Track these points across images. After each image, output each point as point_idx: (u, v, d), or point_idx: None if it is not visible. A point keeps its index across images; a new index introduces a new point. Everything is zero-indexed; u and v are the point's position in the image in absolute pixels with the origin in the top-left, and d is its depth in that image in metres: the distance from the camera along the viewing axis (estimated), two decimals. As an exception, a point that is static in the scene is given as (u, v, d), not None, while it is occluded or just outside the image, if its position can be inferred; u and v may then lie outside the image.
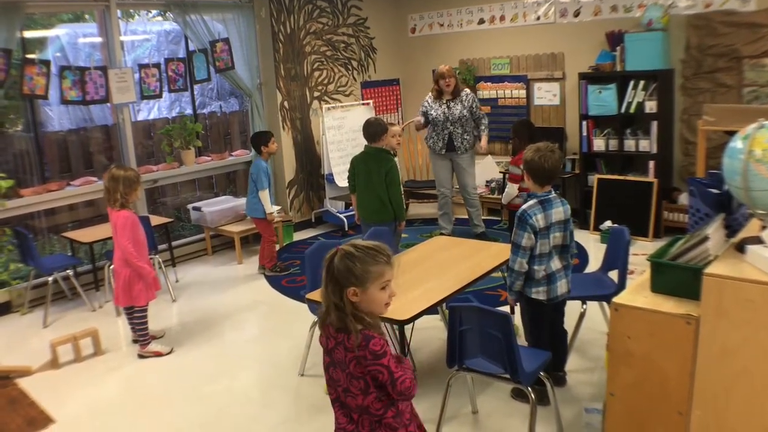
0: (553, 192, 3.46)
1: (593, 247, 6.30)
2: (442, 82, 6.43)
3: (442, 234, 6.72)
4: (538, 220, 3.35)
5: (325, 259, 2.20)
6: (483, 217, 6.98)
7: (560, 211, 3.45)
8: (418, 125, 6.80)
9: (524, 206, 3.40)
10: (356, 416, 2.23)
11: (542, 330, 3.59)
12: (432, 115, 6.53)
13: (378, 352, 2.13)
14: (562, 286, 3.50)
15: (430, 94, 6.66)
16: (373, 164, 5.07)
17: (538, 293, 3.47)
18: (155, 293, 4.67)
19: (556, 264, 3.47)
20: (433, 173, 6.89)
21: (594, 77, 6.61)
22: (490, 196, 7.61)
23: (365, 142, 5.19)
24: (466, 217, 6.94)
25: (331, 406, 2.31)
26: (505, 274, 4.81)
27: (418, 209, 8.18)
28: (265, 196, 6.08)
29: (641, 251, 5.64)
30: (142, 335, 4.65)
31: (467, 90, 6.65)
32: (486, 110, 7.41)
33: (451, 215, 6.89)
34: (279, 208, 7.10)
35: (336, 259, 2.17)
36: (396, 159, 5.54)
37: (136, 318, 4.62)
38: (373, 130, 5.09)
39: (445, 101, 6.48)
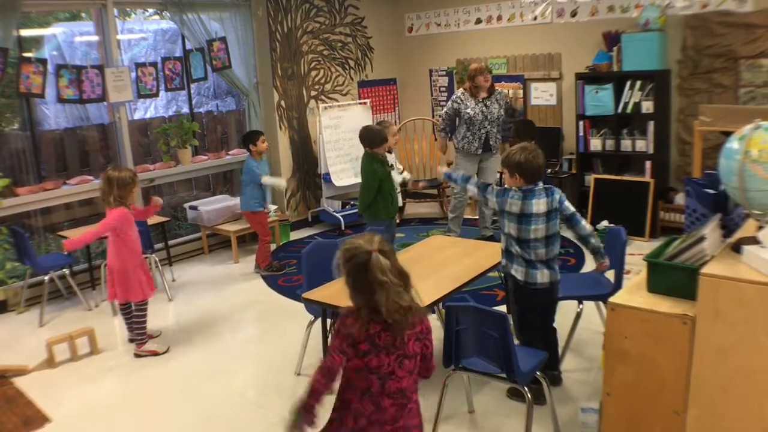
0: (539, 185, 3.47)
1: (590, 246, 6.30)
2: (481, 78, 6.18)
3: (448, 236, 6.73)
4: (513, 204, 3.42)
5: (379, 268, 2.21)
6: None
7: (543, 202, 3.41)
8: (443, 147, 6.64)
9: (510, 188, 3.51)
10: (388, 402, 2.27)
11: (532, 325, 3.59)
12: (469, 113, 6.21)
13: (431, 327, 2.37)
14: (542, 275, 3.47)
15: (461, 90, 6.37)
16: (363, 165, 5.21)
17: (517, 272, 3.50)
18: (151, 292, 4.67)
19: (537, 254, 3.45)
20: None
21: (591, 77, 6.62)
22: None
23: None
24: (471, 216, 6.92)
25: (327, 406, 2.31)
26: (501, 274, 4.82)
27: (415, 209, 8.18)
28: (267, 179, 6.12)
29: (638, 251, 5.65)
30: (140, 334, 4.65)
31: (499, 88, 6.51)
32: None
33: (461, 219, 6.66)
34: (275, 207, 7.11)
35: (384, 256, 2.25)
36: (393, 155, 5.60)
37: (136, 316, 4.61)
38: (368, 138, 5.16)
39: (481, 99, 6.26)
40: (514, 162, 3.42)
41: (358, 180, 5.40)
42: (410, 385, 2.33)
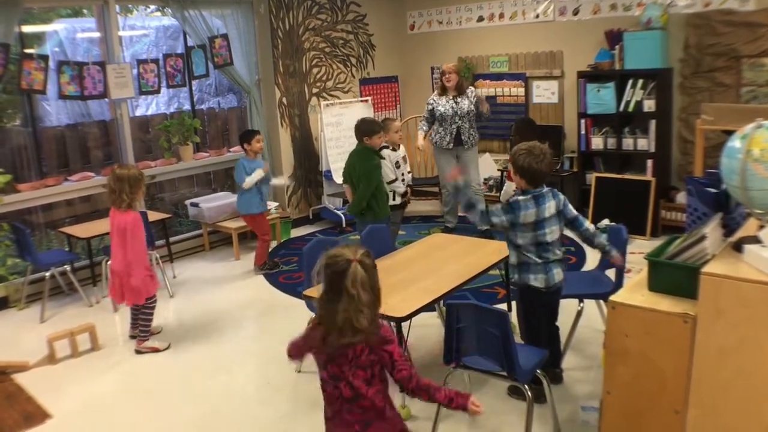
0: (545, 187, 3.48)
1: (591, 245, 6.30)
2: (444, 78, 6.55)
3: (447, 227, 6.87)
4: (529, 215, 3.37)
5: (353, 278, 2.22)
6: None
7: (552, 205, 3.45)
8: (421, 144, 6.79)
9: (519, 197, 3.42)
10: (345, 407, 2.35)
11: (539, 326, 3.60)
12: (440, 110, 6.56)
13: (388, 337, 2.32)
14: (558, 274, 3.51)
15: (435, 91, 6.76)
16: (356, 161, 5.14)
17: (537, 280, 3.47)
18: (155, 289, 4.67)
19: (555, 254, 3.49)
20: (438, 169, 6.95)
21: (593, 76, 6.61)
22: (488, 193, 7.61)
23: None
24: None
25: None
26: (502, 272, 4.83)
27: (416, 206, 8.17)
28: (248, 180, 6.01)
29: (639, 250, 5.64)
30: (144, 331, 4.65)
31: (472, 87, 6.74)
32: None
33: (457, 210, 6.91)
34: (276, 204, 7.11)
35: (362, 268, 2.24)
36: (401, 151, 5.60)
37: (144, 314, 4.62)
38: (364, 128, 5.14)
39: (452, 97, 6.55)
40: (517, 165, 3.43)
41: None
42: (373, 395, 2.32)
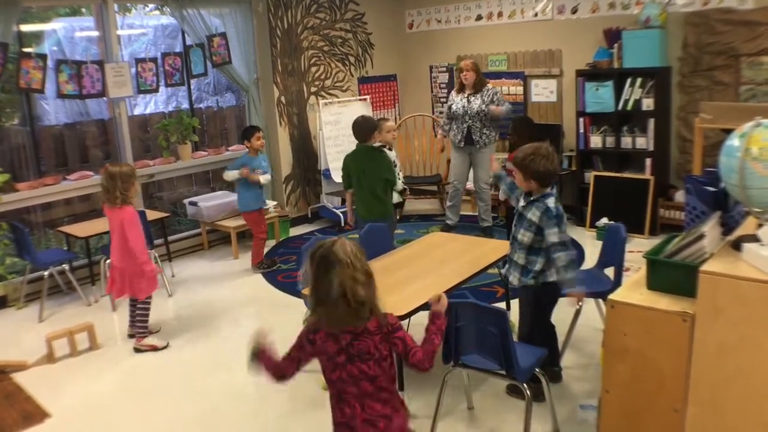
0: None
1: (589, 243, 6.31)
2: (461, 75, 6.55)
3: (447, 225, 6.86)
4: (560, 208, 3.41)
5: (342, 249, 2.18)
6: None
7: None
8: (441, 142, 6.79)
9: (551, 204, 3.38)
10: (388, 395, 2.31)
11: (545, 326, 3.60)
12: (453, 108, 6.59)
13: (396, 325, 2.29)
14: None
15: (455, 87, 6.79)
16: (366, 163, 5.06)
17: (552, 275, 3.48)
18: (155, 286, 4.68)
19: None
20: (451, 166, 6.99)
21: (591, 74, 6.61)
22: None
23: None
24: (471, 213, 7.04)
25: (328, 402, 2.32)
26: (502, 270, 4.82)
27: (415, 205, 8.18)
28: (228, 175, 6.15)
29: (637, 248, 5.65)
30: (142, 328, 4.66)
31: (490, 85, 6.69)
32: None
33: (459, 208, 6.95)
34: (275, 203, 7.10)
35: (357, 250, 2.21)
36: (394, 152, 5.60)
37: (140, 311, 4.63)
38: (367, 126, 5.11)
39: (466, 95, 6.54)
40: (531, 170, 3.37)
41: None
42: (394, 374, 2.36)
